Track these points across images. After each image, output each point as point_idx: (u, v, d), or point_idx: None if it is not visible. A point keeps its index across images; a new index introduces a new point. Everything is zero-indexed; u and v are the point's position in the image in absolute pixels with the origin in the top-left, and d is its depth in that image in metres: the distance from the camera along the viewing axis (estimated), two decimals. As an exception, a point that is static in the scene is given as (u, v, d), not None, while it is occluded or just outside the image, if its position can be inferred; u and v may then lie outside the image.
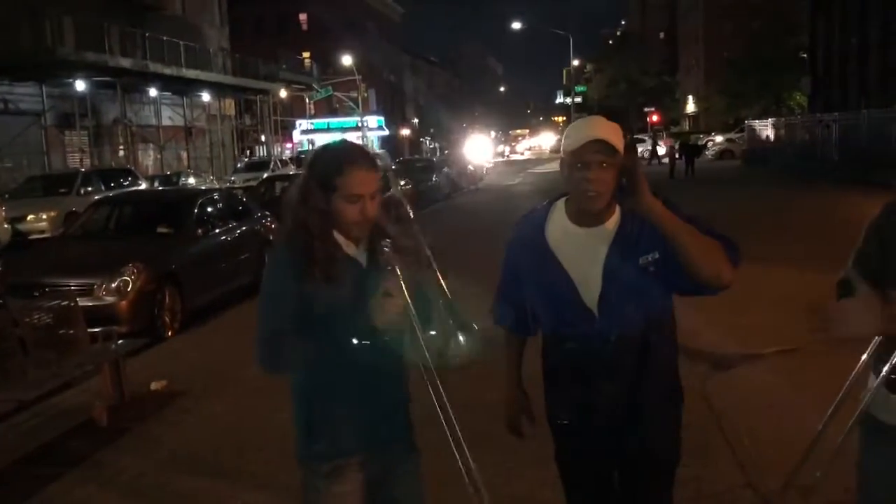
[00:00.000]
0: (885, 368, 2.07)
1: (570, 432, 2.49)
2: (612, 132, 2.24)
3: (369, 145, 51.46)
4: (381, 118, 57.05)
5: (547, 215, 2.44)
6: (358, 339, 2.18)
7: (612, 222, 2.33)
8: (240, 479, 4.48)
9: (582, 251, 2.34)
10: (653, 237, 2.25)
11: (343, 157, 2.25)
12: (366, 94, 51.06)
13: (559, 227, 2.40)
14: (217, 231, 9.69)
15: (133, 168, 23.23)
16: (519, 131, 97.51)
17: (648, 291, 2.30)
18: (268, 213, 11.13)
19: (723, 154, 41.02)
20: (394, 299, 2.12)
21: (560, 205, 2.44)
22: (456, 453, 2.23)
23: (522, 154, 78.08)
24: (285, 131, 46.65)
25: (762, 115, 42.41)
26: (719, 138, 44.63)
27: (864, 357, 2.17)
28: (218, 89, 35.86)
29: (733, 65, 51.60)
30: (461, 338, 2.17)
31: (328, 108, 54.82)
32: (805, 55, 43.21)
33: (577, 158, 2.25)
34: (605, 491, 2.51)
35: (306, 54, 54.30)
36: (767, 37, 48.64)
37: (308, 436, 2.32)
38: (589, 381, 2.37)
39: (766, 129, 34.62)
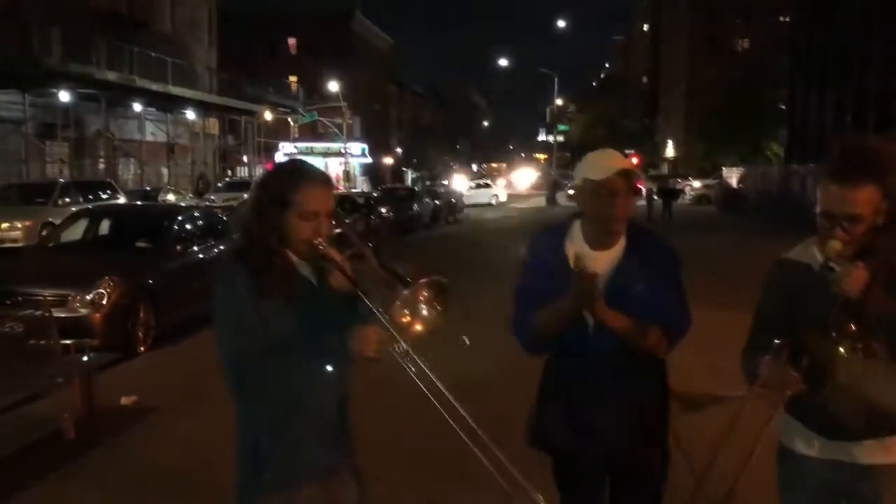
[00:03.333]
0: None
1: (562, 444, 2.60)
2: (630, 163, 2.53)
3: (351, 172, 51.57)
4: (365, 145, 57.22)
5: (566, 232, 2.61)
6: (330, 365, 2.15)
7: (619, 248, 2.54)
8: (210, 496, 4.44)
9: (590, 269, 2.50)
10: (644, 274, 2.47)
11: (299, 174, 2.25)
12: (350, 121, 51.20)
13: (576, 246, 2.56)
14: (196, 248, 9.66)
15: (112, 181, 23.05)
16: (494, 165, 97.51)
17: (642, 315, 2.45)
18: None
19: (700, 199, 41.64)
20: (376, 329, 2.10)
21: (577, 226, 2.60)
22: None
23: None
24: (268, 153, 46.58)
25: (740, 163, 43.14)
26: (696, 184, 45.27)
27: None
28: (203, 108, 35.84)
29: (713, 113, 52.53)
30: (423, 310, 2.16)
31: (312, 132, 54.86)
32: (783, 107, 44.13)
33: (603, 187, 2.45)
34: (594, 496, 2.68)
35: (293, 78, 54.49)
36: (747, 87, 49.66)
37: (255, 464, 2.23)
38: (582, 395, 2.52)
39: (742, 178, 35.21)
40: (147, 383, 6.79)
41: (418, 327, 2.14)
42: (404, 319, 2.12)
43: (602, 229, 2.53)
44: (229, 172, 41.79)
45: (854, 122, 30.68)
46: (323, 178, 2.28)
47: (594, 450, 2.55)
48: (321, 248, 2.18)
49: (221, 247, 10.20)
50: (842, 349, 1.73)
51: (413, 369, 2.14)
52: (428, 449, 5.32)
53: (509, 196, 48.82)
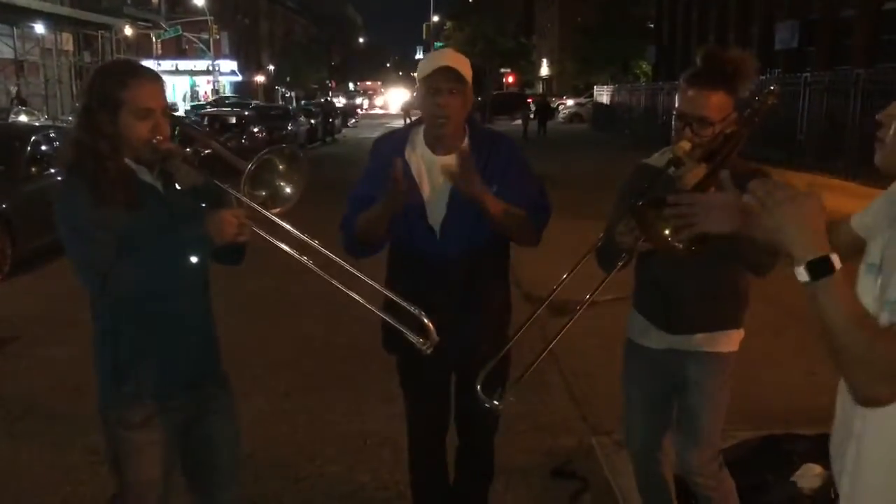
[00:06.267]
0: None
1: (404, 346, 2.59)
2: (460, 62, 2.46)
3: (221, 91, 49.40)
4: (235, 63, 54.79)
5: (408, 138, 2.61)
6: (192, 255, 2.08)
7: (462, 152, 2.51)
8: (78, 423, 4.32)
9: (434, 176, 2.54)
10: (493, 172, 2.50)
11: (126, 70, 2.12)
12: (217, 37, 48.70)
13: (418, 152, 2.59)
14: (54, 171, 9.08)
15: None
16: (370, 83, 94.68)
17: (485, 219, 2.48)
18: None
19: (572, 118, 42.60)
20: (233, 211, 2.05)
21: (420, 131, 2.61)
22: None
23: (383, 108, 77.22)
24: (130, 71, 43.71)
25: (610, 82, 44.19)
26: (570, 102, 46.18)
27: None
28: (54, 21, 33.06)
29: (585, 30, 53.24)
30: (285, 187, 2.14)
31: (177, 48, 51.88)
32: (651, 25, 45.27)
33: (428, 85, 2.45)
34: (443, 399, 2.79)
35: (154, -11, 51.02)
36: (617, 5, 50.47)
37: (115, 379, 2.18)
38: (426, 296, 2.49)
39: (612, 96, 36.18)
40: (6, 312, 6.44)
41: (278, 208, 2.10)
42: (260, 195, 2.08)
43: (432, 131, 2.53)
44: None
45: (716, 41, 31.93)
46: (151, 73, 2.16)
47: (442, 353, 2.54)
48: (162, 146, 2.09)
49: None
50: (667, 231, 1.84)
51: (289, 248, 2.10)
52: (297, 358, 5.37)
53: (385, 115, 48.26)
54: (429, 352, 2.14)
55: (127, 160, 2.12)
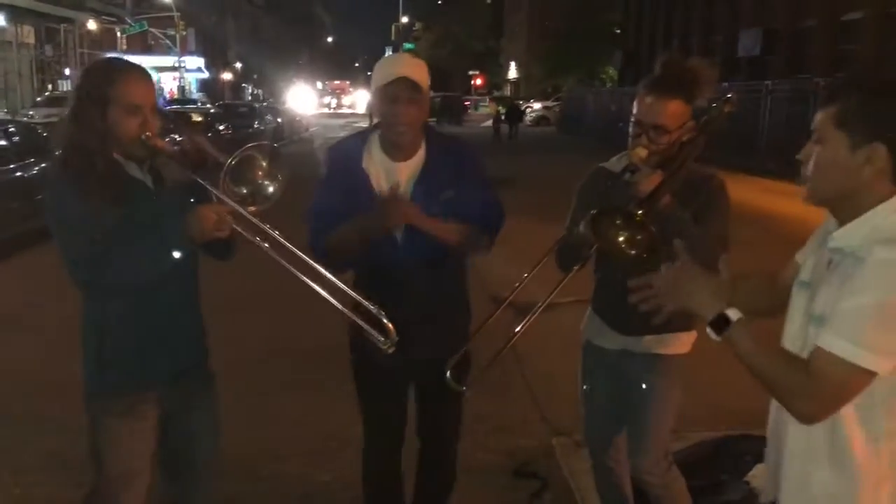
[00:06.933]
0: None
1: (369, 351, 2.54)
2: (417, 70, 2.42)
3: (187, 88, 48.83)
4: (202, 60, 54.19)
5: (364, 145, 2.57)
6: (173, 251, 2.11)
7: (419, 158, 2.52)
8: (38, 424, 4.26)
9: (392, 183, 2.49)
10: (448, 178, 2.49)
11: (113, 67, 2.19)
12: (184, 33, 48.08)
13: (375, 159, 2.55)
14: (11, 167, 8.93)
15: None
16: (337, 82, 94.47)
17: (456, 219, 2.48)
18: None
19: (539, 121, 42.84)
20: (212, 208, 2.08)
21: (375, 137, 2.57)
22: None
23: (351, 107, 76.92)
24: (93, 66, 42.95)
25: (577, 85, 44.53)
26: (537, 105, 46.44)
27: None
28: (13, 13, 32.42)
29: (553, 35, 53.58)
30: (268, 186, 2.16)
31: (142, 44, 51.11)
32: (618, 31, 45.73)
33: (385, 93, 2.40)
34: (400, 405, 2.76)
35: (118, -16, 50.25)
36: (585, 10, 50.86)
37: (100, 367, 2.22)
38: (388, 304, 2.45)
39: (579, 99, 36.46)
40: (-38, 311, 6.31)
41: (255, 206, 2.12)
42: (241, 192, 2.11)
43: (390, 139, 2.49)
44: (49, 86, 38.40)
45: (680, 47, 32.36)
46: (140, 70, 2.21)
47: (406, 361, 2.48)
48: (151, 142, 2.13)
49: (42, 165, 9.50)
50: (620, 238, 1.87)
51: (261, 239, 2.13)
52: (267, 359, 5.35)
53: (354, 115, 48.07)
54: (390, 351, 2.15)
55: (116, 155, 2.17)
